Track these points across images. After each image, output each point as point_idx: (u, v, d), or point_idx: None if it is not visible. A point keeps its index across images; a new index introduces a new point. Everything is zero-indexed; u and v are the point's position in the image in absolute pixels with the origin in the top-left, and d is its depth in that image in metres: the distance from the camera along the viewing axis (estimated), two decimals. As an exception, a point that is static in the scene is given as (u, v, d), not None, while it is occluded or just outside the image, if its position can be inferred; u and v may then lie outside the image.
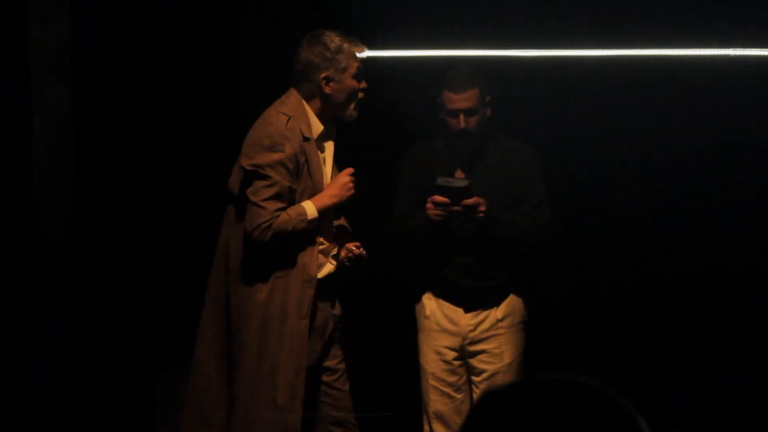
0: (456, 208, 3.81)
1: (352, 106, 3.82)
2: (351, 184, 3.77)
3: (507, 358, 4.01)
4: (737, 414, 4.55)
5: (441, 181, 3.83)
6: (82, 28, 4.25)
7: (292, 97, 3.80)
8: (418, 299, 4.11)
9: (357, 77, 3.79)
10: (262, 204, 3.63)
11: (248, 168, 3.68)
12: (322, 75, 3.74)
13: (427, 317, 4.06)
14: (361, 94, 3.83)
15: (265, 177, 3.65)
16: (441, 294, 4.04)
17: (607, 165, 4.65)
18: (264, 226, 3.62)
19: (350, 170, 3.80)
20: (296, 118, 3.72)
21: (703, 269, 4.64)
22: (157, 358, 4.71)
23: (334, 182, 3.78)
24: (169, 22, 4.79)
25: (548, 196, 4.03)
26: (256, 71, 4.88)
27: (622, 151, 4.65)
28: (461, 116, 3.89)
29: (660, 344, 4.70)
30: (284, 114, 3.75)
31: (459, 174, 3.97)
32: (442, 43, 4.53)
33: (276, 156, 3.66)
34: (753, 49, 4.37)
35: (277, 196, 3.64)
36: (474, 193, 3.82)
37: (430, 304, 4.06)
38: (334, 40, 3.76)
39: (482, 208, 3.83)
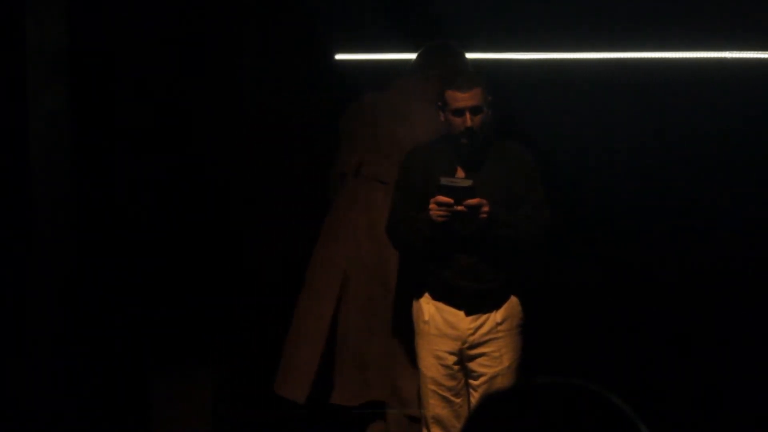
0: (459, 208, 3.80)
1: None
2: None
3: (506, 362, 4.00)
4: (736, 415, 4.55)
5: (445, 181, 3.81)
6: (81, 29, 4.25)
7: None
8: (416, 302, 4.10)
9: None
10: None
11: None
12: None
13: (426, 322, 4.04)
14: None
15: None
16: (440, 296, 4.02)
17: (606, 167, 4.65)
18: None
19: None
20: None
21: (703, 270, 4.64)
22: (156, 358, 4.71)
23: None
24: (168, 21, 4.79)
25: (547, 198, 4.02)
26: (258, 72, 4.88)
27: (620, 153, 4.66)
28: (467, 114, 3.88)
29: (660, 347, 4.70)
30: None
31: (460, 174, 3.97)
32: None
33: None
34: (751, 52, 4.37)
35: None
36: (477, 193, 3.81)
37: (428, 308, 4.03)
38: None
39: (485, 209, 3.82)
